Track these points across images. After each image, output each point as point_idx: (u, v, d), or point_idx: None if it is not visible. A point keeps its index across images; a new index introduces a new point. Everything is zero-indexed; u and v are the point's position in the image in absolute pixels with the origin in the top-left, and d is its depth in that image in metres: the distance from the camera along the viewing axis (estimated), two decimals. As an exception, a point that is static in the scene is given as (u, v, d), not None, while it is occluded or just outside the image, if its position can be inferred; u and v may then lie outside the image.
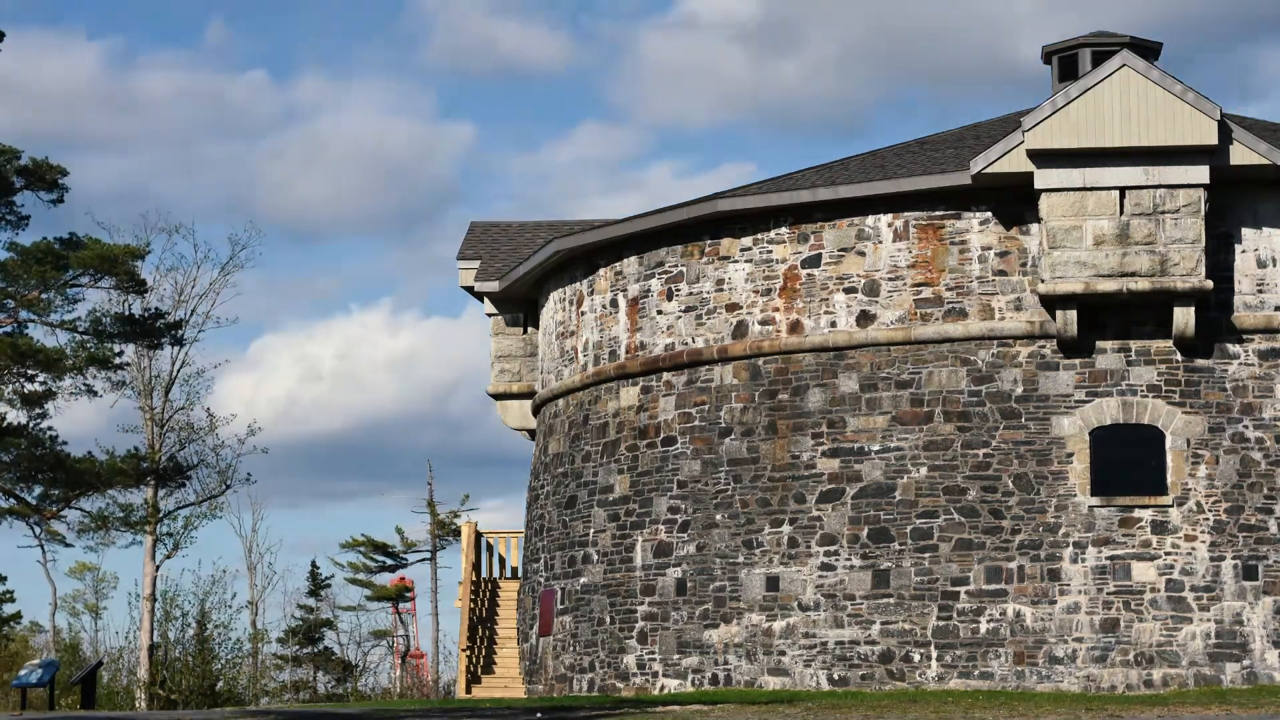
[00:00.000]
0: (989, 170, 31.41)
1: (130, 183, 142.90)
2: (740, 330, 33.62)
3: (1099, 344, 31.68)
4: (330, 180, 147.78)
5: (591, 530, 35.30)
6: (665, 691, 33.28)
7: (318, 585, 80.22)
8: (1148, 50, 35.53)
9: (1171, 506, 31.23)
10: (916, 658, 31.50)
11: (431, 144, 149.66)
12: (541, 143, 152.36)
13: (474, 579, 40.18)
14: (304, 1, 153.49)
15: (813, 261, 33.09)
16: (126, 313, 39.33)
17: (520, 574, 40.16)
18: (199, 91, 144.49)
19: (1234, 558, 31.03)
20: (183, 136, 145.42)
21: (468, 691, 38.49)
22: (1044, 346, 31.83)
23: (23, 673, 39.92)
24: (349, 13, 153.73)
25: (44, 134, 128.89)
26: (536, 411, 38.99)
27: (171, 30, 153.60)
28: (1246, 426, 31.44)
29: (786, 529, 32.57)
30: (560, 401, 37.19)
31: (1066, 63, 36.64)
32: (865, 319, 32.62)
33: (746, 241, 33.68)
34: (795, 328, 33.13)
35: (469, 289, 39.92)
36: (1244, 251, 31.80)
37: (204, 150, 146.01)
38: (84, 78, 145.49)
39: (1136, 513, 31.24)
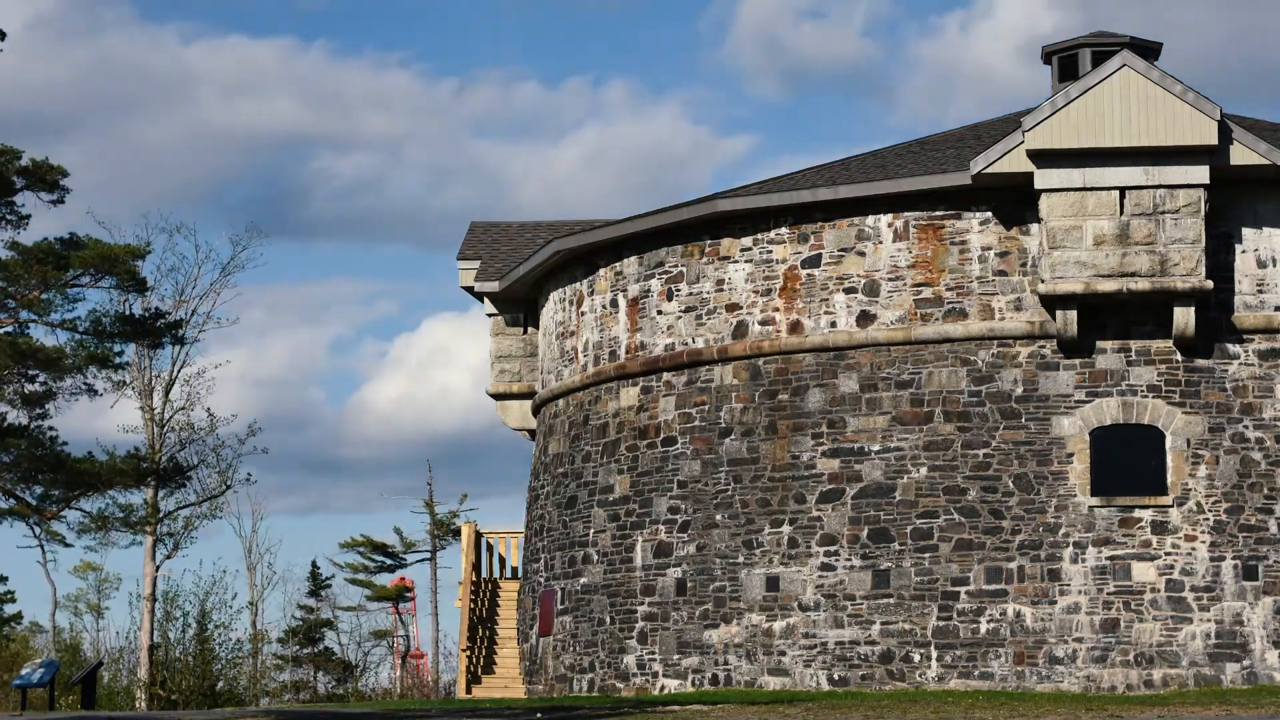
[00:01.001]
0: (989, 170, 31.41)
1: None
2: (740, 330, 33.63)
3: (1099, 344, 31.68)
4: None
5: (591, 530, 35.31)
6: (665, 692, 33.28)
7: (318, 585, 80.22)
8: (1148, 50, 35.55)
9: (1171, 507, 31.23)
10: (916, 658, 31.51)
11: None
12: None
13: (474, 579, 40.18)
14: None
15: (813, 261, 33.09)
16: (127, 313, 39.36)
17: (520, 574, 40.16)
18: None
19: (1234, 558, 31.03)
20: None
21: (468, 692, 38.49)
22: (1044, 346, 31.83)
23: (25, 671, 39.94)
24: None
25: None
26: (536, 412, 38.99)
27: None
28: (1246, 427, 31.44)
29: (786, 529, 32.57)
30: (560, 402, 37.19)
31: (1066, 63, 36.65)
32: (865, 319, 32.62)
33: (746, 241, 33.68)
34: (795, 328, 33.13)
35: (469, 289, 39.91)
36: (1244, 251, 31.81)
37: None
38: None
39: (1136, 513, 31.24)
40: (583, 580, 35.37)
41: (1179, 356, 31.56)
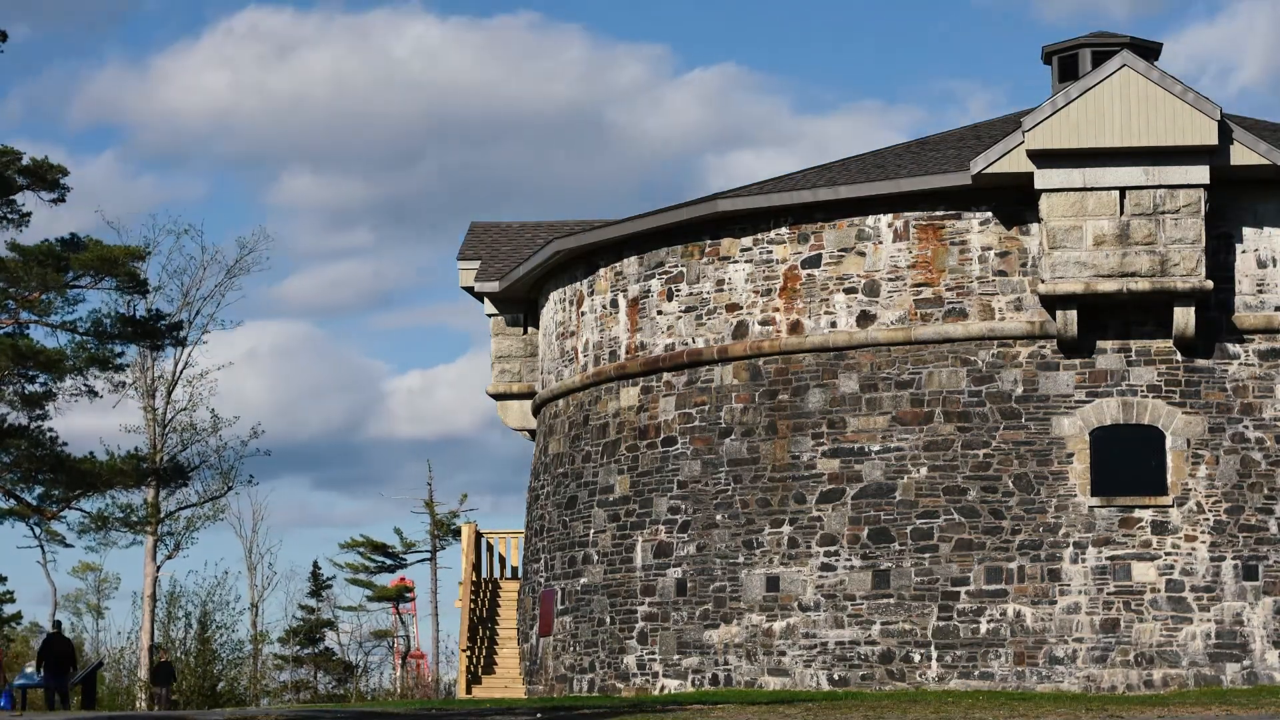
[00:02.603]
0: (989, 170, 31.41)
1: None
2: (740, 330, 33.63)
3: (1099, 344, 31.68)
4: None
5: (592, 530, 35.31)
6: (665, 692, 33.28)
7: (319, 586, 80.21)
8: (1148, 50, 35.55)
9: (1172, 507, 31.22)
10: (917, 658, 31.51)
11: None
12: None
13: (474, 579, 40.18)
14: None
15: (813, 262, 33.10)
16: (129, 313, 39.40)
17: (520, 574, 40.16)
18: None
19: (1234, 558, 31.03)
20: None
21: (468, 692, 38.49)
22: (1044, 347, 31.83)
23: (27, 670, 39.98)
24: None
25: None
26: (537, 412, 38.99)
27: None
28: (1246, 427, 31.44)
29: (787, 529, 32.57)
30: (560, 402, 37.20)
31: (1066, 63, 36.65)
32: (865, 319, 32.62)
33: (747, 242, 33.69)
34: (795, 328, 33.13)
35: (469, 289, 39.91)
36: (1244, 251, 31.81)
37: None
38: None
39: (1137, 513, 31.24)
40: (583, 580, 35.38)
41: (1179, 356, 31.56)
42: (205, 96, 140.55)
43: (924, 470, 31.89)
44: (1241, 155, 31.02)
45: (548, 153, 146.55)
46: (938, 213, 32.40)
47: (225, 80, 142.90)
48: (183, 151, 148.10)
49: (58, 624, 42.43)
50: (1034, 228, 31.87)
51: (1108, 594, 30.99)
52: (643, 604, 34.09)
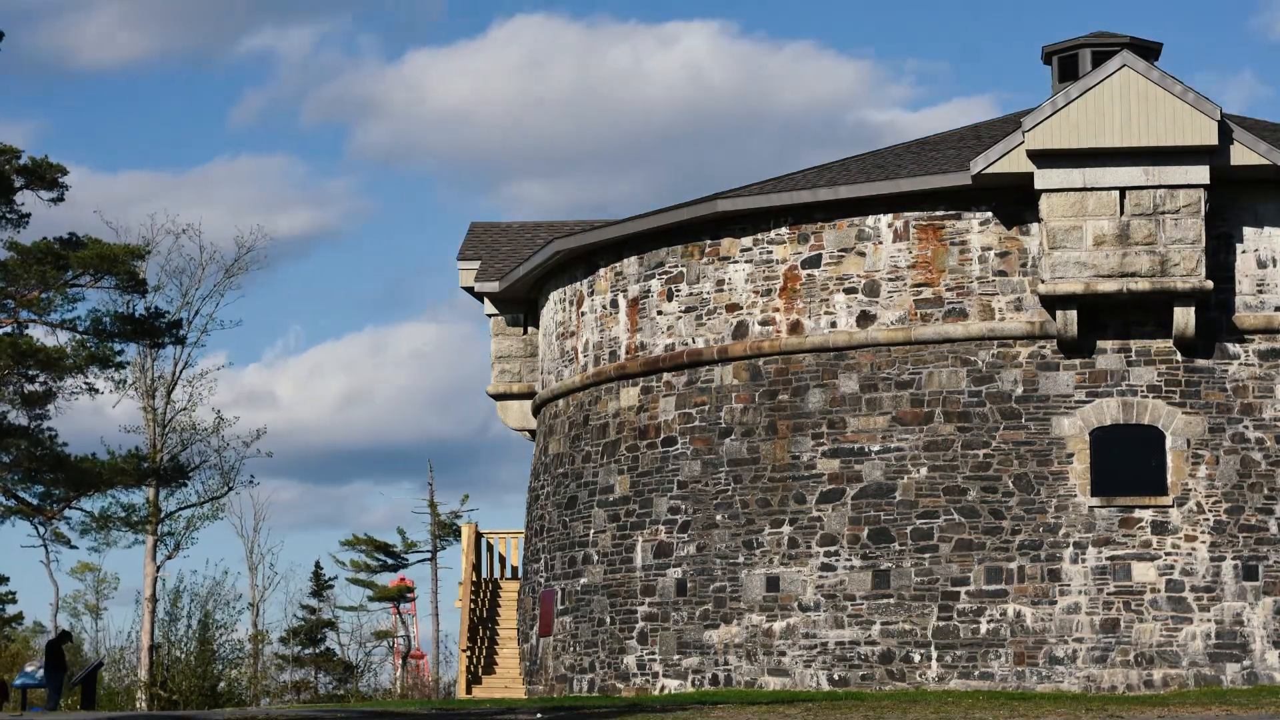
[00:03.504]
0: (989, 170, 31.40)
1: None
2: (740, 330, 33.62)
3: (1099, 344, 31.67)
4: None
5: (592, 531, 35.30)
6: (665, 692, 33.28)
7: (321, 586, 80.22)
8: (1148, 50, 35.54)
9: (1172, 507, 31.21)
10: (917, 658, 31.50)
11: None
12: None
13: (474, 579, 40.17)
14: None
15: (813, 262, 33.09)
16: (128, 312, 39.34)
17: (520, 574, 40.15)
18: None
19: (1234, 558, 31.02)
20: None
21: (468, 692, 38.49)
22: (1044, 347, 31.82)
23: (28, 669, 39.99)
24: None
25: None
26: (537, 412, 38.99)
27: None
28: (1247, 427, 31.43)
29: (787, 529, 32.56)
30: (560, 402, 37.19)
31: (1066, 63, 36.64)
32: (865, 319, 32.61)
33: (746, 242, 33.68)
34: (795, 328, 33.13)
35: (469, 289, 39.91)
36: (1244, 252, 31.80)
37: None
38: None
39: (1137, 513, 31.23)
40: (583, 580, 35.37)
41: (1179, 357, 31.54)
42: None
43: (924, 470, 31.88)
44: (1241, 155, 31.01)
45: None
46: (938, 213, 32.39)
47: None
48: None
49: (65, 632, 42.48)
50: (1034, 228, 31.86)
51: (1108, 594, 30.98)
52: (643, 604, 34.08)
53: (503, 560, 42.22)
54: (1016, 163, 31.28)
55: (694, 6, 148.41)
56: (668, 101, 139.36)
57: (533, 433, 39.74)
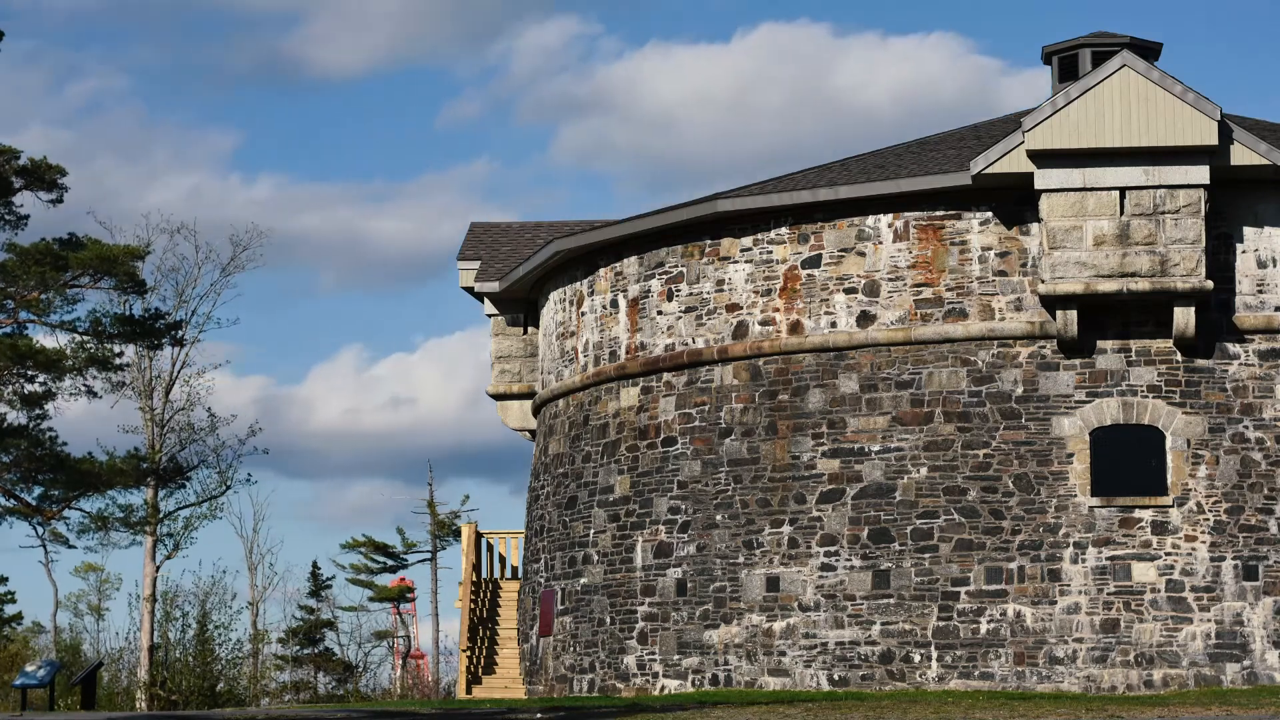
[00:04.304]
0: (989, 170, 31.39)
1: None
2: (740, 331, 33.61)
3: (1099, 344, 31.67)
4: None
5: (592, 531, 35.29)
6: (665, 692, 33.27)
7: (319, 586, 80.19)
8: (1148, 50, 35.53)
9: (1172, 507, 31.21)
10: (917, 658, 31.49)
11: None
12: None
13: (474, 579, 40.16)
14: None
15: (813, 262, 33.08)
16: (127, 313, 39.34)
17: (520, 574, 40.14)
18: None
19: (1234, 558, 31.02)
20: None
21: (468, 692, 38.47)
22: (1044, 347, 31.81)
23: (29, 669, 39.95)
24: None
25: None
26: (537, 412, 38.98)
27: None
28: (1247, 427, 31.42)
29: (787, 529, 32.55)
30: (560, 402, 37.18)
31: (1066, 63, 36.63)
32: (865, 319, 32.60)
33: (746, 242, 33.67)
34: (795, 328, 33.12)
35: (469, 289, 39.90)
36: (1244, 252, 31.79)
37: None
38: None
39: (1137, 513, 31.22)
40: (583, 580, 35.36)
41: (1179, 357, 31.54)
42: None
43: (924, 470, 31.88)
44: (1241, 155, 31.00)
45: None
46: (938, 213, 32.38)
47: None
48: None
49: None
50: (1034, 228, 31.86)
51: (1108, 594, 30.98)
52: (643, 604, 34.07)
53: (503, 560, 42.21)
54: (1016, 163, 31.27)
55: (933, 18, 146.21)
56: (893, 114, 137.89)
57: (533, 433, 39.74)
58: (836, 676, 31.83)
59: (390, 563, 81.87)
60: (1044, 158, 31.11)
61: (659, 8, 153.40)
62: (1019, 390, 31.76)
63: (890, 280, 32.52)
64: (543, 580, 36.96)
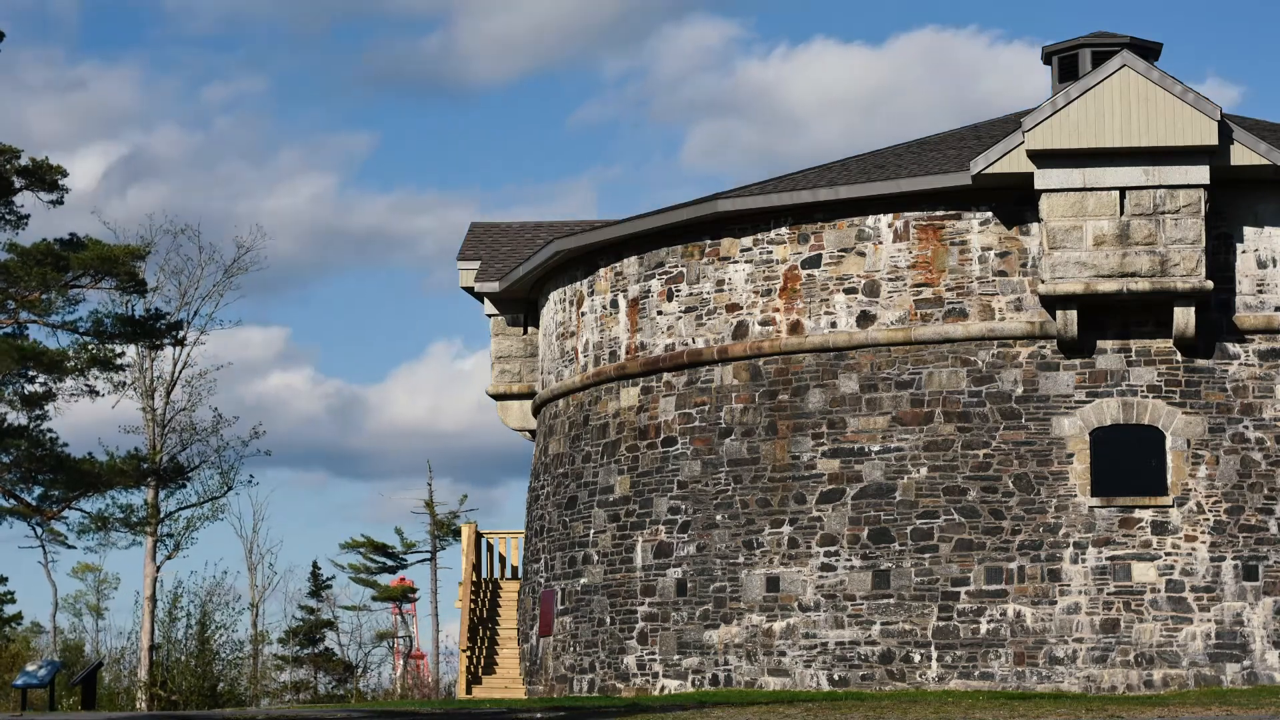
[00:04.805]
0: (989, 171, 31.40)
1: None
2: (740, 331, 33.62)
3: (1099, 344, 31.68)
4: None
5: (592, 531, 35.30)
6: (665, 692, 33.28)
7: (319, 586, 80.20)
8: (1148, 50, 35.54)
9: (1172, 507, 31.22)
10: (917, 658, 31.50)
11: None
12: None
13: (474, 579, 40.16)
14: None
15: (813, 262, 33.09)
16: (128, 313, 39.37)
17: (520, 574, 40.15)
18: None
19: (1234, 558, 31.03)
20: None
21: (468, 692, 38.48)
22: (1044, 347, 31.82)
23: (29, 669, 39.94)
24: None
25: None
26: (537, 412, 38.99)
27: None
28: (1247, 427, 31.43)
29: (787, 529, 32.56)
30: (560, 402, 37.19)
31: (1066, 63, 36.64)
32: (865, 319, 32.61)
33: (746, 242, 33.68)
34: (795, 328, 33.13)
35: (469, 289, 39.91)
36: (1244, 252, 31.80)
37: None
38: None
39: (1137, 513, 31.23)
40: (583, 580, 35.37)
41: (1179, 357, 31.55)
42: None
43: (924, 470, 31.89)
44: (1241, 155, 31.01)
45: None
46: (938, 213, 32.39)
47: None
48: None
49: None
50: (1034, 228, 31.87)
51: (1108, 594, 30.99)
52: (643, 604, 34.08)
53: (503, 560, 42.21)
54: (1016, 163, 31.28)
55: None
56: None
57: (533, 433, 39.75)
58: (836, 676, 31.84)
59: (390, 563, 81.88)
60: (1044, 158, 31.12)
61: (821, 8, 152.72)
62: (1019, 390, 31.77)
63: (890, 280, 32.53)
64: (543, 580, 36.97)
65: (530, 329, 39.94)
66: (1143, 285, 31.00)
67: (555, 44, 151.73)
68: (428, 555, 77.92)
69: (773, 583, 32.61)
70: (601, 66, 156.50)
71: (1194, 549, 31.03)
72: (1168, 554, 31.05)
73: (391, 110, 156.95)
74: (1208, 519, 31.11)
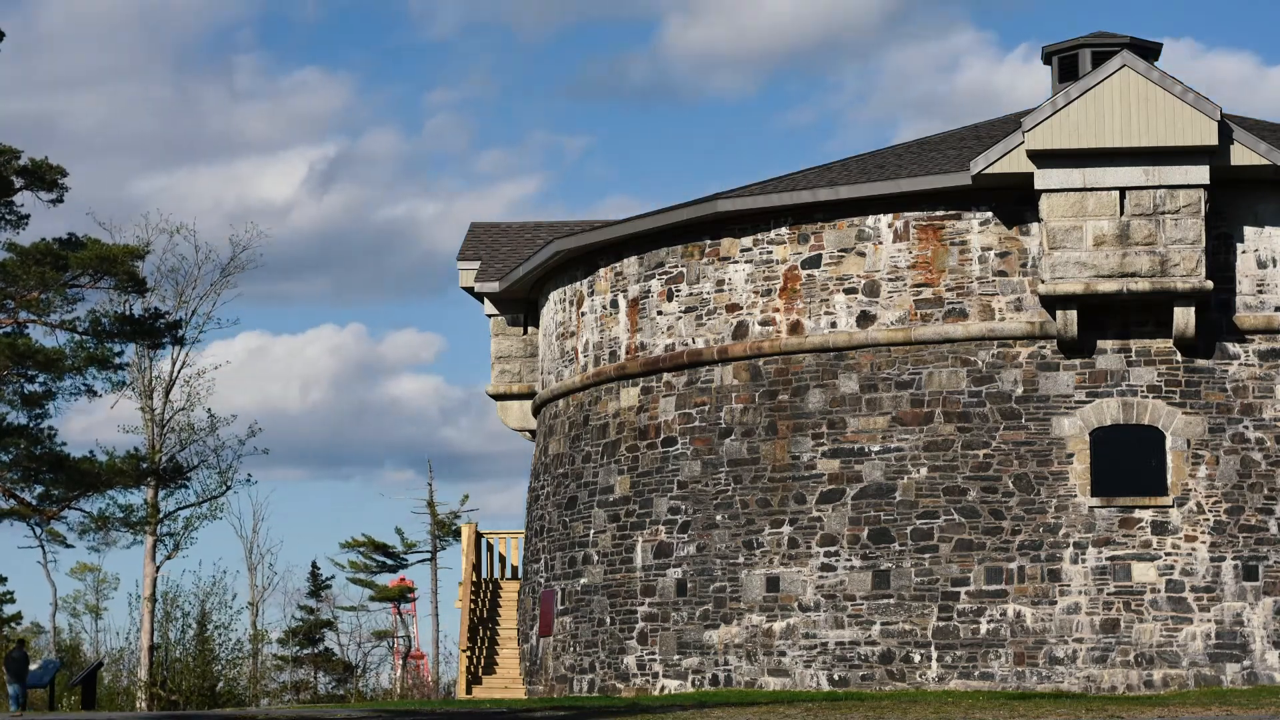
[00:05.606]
0: (989, 171, 31.39)
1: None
2: (740, 331, 33.61)
3: (1099, 344, 31.67)
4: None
5: (592, 531, 35.29)
6: (665, 692, 33.27)
7: (318, 586, 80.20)
8: (1148, 50, 35.54)
9: (1172, 507, 31.21)
10: (917, 658, 31.49)
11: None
12: None
13: (474, 579, 40.15)
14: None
15: (813, 262, 33.08)
16: (126, 313, 39.33)
17: (520, 574, 40.14)
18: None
19: (1234, 558, 31.02)
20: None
21: (468, 692, 38.47)
22: (1044, 347, 31.81)
23: (29, 668, 39.98)
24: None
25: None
26: (537, 412, 38.98)
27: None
28: (1247, 427, 31.42)
29: (787, 529, 32.55)
30: (560, 402, 37.18)
31: (1066, 63, 36.63)
32: (865, 319, 32.60)
33: (746, 242, 33.67)
34: (795, 328, 33.12)
35: (469, 289, 39.90)
36: (1244, 252, 31.79)
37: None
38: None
39: (1137, 513, 31.22)
40: (583, 581, 35.36)
41: (1179, 357, 31.54)
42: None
43: (924, 470, 31.88)
44: (1241, 155, 31.00)
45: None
46: (938, 213, 32.38)
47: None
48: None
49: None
50: (1034, 228, 31.86)
51: (1108, 594, 30.98)
52: (643, 604, 34.07)
53: (503, 560, 42.21)
54: (1016, 163, 31.27)
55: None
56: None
57: (533, 433, 39.74)
58: (836, 676, 31.83)
59: (390, 563, 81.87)
60: (1044, 158, 31.11)
61: (1065, 18, 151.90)
62: (1019, 390, 31.76)
63: (890, 280, 32.52)
64: (543, 580, 36.96)
65: (530, 329, 39.93)
66: (1143, 285, 30.99)
67: (793, 51, 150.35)
68: (428, 555, 77.92)
69: (773, 583, 32.60)
70: (842, 74, 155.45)
71: (1194, 549, 31.02)
72: (1168, 554, 31.04)
73: (605, 116, 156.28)
74: (1208, 519, 31.11)
